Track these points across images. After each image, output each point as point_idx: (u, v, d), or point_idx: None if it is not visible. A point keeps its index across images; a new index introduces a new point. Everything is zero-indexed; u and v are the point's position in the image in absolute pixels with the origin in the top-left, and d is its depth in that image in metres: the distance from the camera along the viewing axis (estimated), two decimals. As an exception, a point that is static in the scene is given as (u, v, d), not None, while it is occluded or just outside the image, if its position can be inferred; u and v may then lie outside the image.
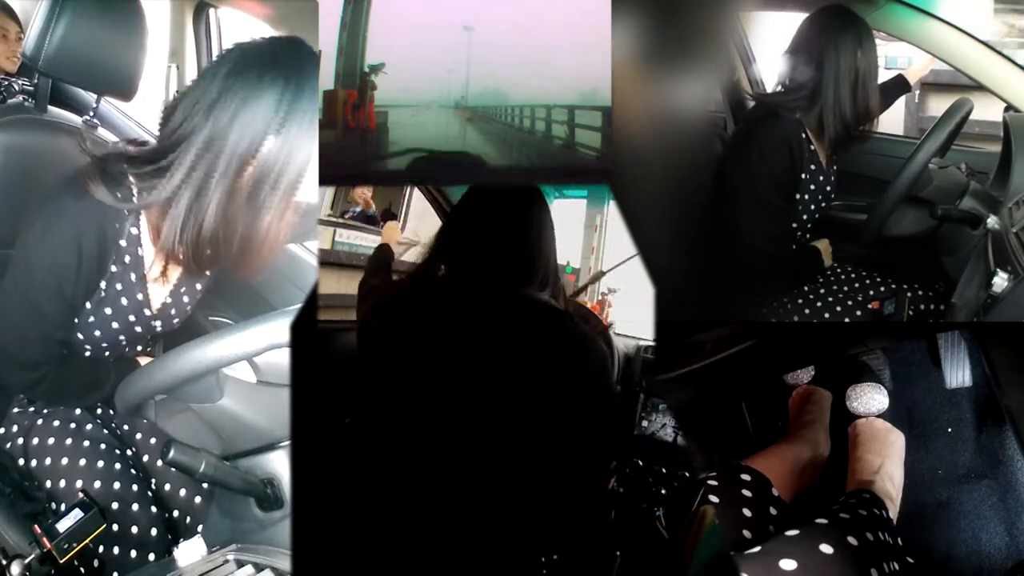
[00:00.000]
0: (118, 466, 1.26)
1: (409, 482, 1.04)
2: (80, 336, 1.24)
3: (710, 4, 1.21)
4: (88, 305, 1.21)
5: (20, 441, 1.29)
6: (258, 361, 1.03)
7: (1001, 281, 1.15)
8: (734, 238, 1.45)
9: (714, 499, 1.12)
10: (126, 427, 1.37)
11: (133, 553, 1.20)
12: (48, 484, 1.24)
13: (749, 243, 1.46)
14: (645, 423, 1.49)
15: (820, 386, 1.47)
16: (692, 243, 1.22)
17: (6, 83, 2.16)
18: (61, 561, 0.96)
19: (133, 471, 1.28)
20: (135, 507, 1.23)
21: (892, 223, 1.53)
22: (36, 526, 0.97)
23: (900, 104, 2.07)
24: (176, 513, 1.30)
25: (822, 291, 1.54)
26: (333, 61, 1.23)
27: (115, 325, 1.25)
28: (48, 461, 1.26)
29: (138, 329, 1.28)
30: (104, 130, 1.65)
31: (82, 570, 1.13)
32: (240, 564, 0.94)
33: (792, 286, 1.54)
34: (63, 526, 0.97)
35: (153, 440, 1.35)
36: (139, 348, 1.37)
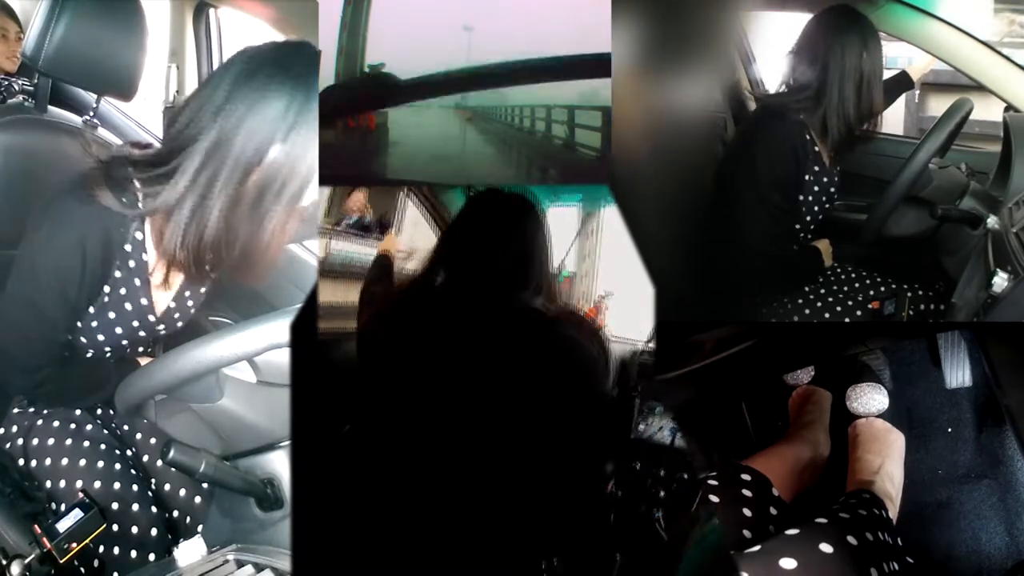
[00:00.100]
0: (118, 466, 1.26)
1: (409, 484, 1.05)
2: (83, 339, 1.24)
3: (710, 4, 1.21)
4: (92, 309, 1.21)
5: (20, 441, 1.29)
6: (258, 361, 1.03)
7: (1001, 281, 1.15)
8: (734, 238, 1.45)
9: (714, 499, 1.12)
10: (126, 427, 1.37)
11: (133, 553, 1.20)
12: (48, 484, 1.25)
13: (751, 244, 1.45)
14: (642, 426, 1.49)
15: (820, 386, 1.47)
16: (692, 243, 1.22)
17: (6, 83, 2.16)
18: (61, 561, 0.96)
19: (133, 471, 1.28)
20: (135, 507, 1.23)
21: (892, 223, 1.52)
22: (36, 526, 0.97)
23: (900, 104, 2.07)
24: (176, 513, 1.30)
25: (822, 291, 1.54)
26: (333, 61, 1.23)
27: (119, 330, 1.25)
28: (48, 461, 1.26)
29: (142, 333, 1.28)
30: (104, 130, 1.65)
31: (82, 570, 1.14)
32: (240, 564, 0.94)
33: (793, 286, 1.54)
34: (63, 526, 0.97)
35: (153, 440, 1.35)
36: (140, 349, 1.37)
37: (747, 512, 1.11)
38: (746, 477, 1.17)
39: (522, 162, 1.31)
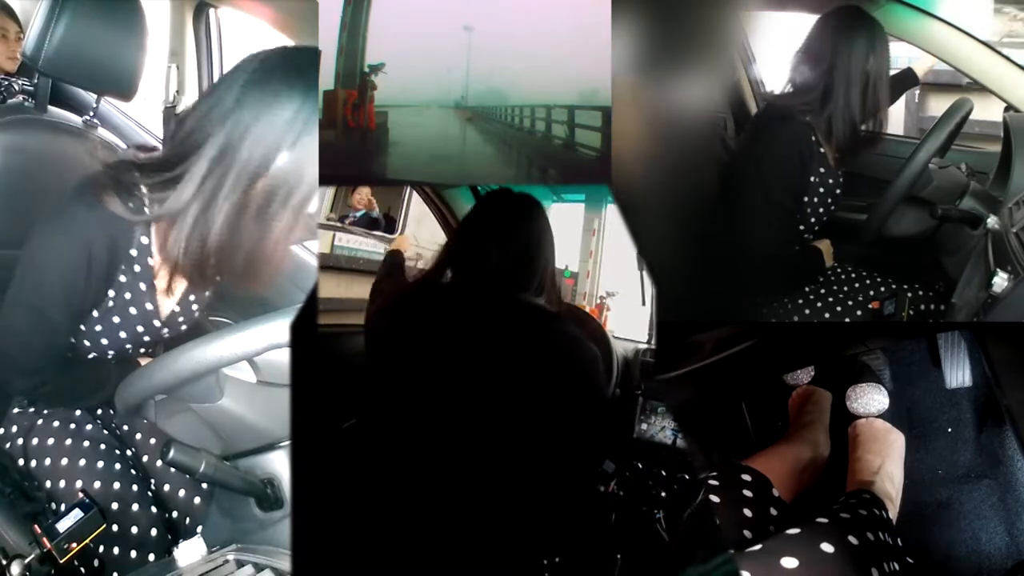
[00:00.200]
0: (118, 466, 1.26)
1: (410, 483, 1.05)
2: (86, 342, 1.24)
3: (711, 4, 1.21)
4: (95, 313, 1.21)
5: (20, 441, 1.29)
6: (258, 361, 1.03)
7: (1001, 281, 1.15)
8: (735, 238, 1.45)
9: (715, 499, 1.12)
10: (126, 427, 1.37)
11: (133, 553, 1.20)
12: (48, 484, 1.24)
13: (754, 245, 1.45)
14: (644, 426, 1.49)
15: (820, 386, 1.47)
16: (692, 243, 1.22)
17: (6, 83, 2.16)
18: (61, 561, 0.96)
19: (133, 471, 1.28)
20: (135, 507, 1.23)
21: (892, 223, 1.52)
22: (36, 526, 0.97)
23: (900, 104, 2.07)
24: (176, 513, 1.30)
25: (822, 291, 1.54)
26: (333, 61, 1.23)
27: (123, 334, 1.25)
28: (48, 461, 1.25)
29: (146, 337, 1.28)
30: (104, 130, 1.65)
31: (82, 570, 1.13)
32: (240, 564, 0.94)
33: (793, 287, 1.54)
34: (63, 526, 0.97)
35: (153, 440, 1.35)
36: (142, 351, 1.37)
37: (747, 512, 1.11)
38: (746, 477, 1.17)
39: (522, 162, 1.31)
